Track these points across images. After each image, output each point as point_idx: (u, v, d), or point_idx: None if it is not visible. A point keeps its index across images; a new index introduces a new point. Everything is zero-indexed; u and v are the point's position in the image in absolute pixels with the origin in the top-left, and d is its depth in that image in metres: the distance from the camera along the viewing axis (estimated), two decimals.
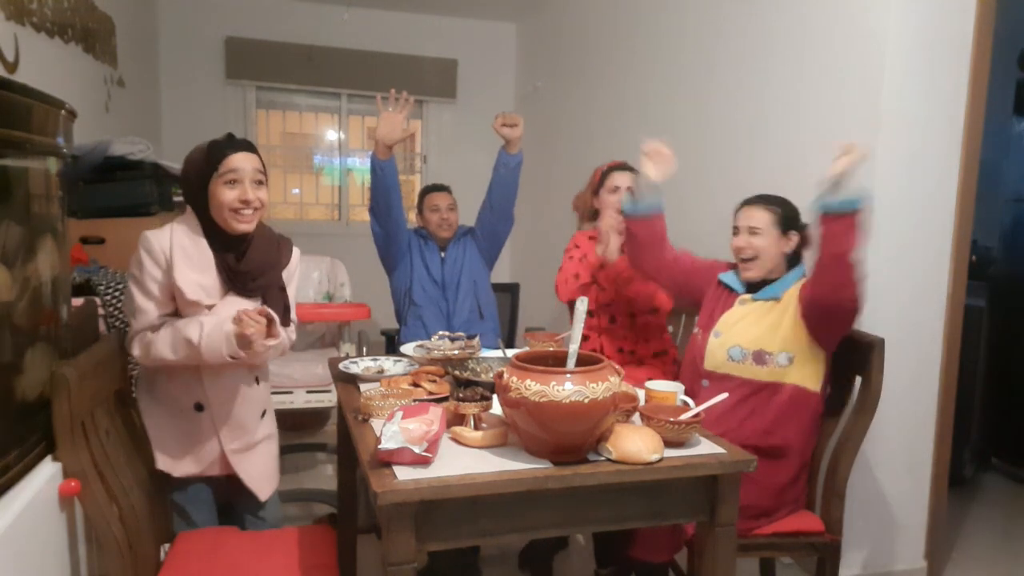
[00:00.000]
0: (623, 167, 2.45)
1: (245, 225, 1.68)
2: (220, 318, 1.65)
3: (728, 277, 2.05)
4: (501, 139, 2.61)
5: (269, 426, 1.94)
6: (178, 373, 1.74)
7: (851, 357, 1.92)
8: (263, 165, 1.73)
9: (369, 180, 2.66)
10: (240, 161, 1.66)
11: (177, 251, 1.66)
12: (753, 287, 1.99)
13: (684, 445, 1.49)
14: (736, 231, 1.99)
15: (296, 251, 1.89)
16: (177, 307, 1.70)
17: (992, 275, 3.41)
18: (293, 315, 1.87)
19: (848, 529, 2.13)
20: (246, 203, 1.66)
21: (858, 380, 1.91)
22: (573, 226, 4.66)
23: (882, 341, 1.85)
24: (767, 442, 1.86)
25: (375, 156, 2.53)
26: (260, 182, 1.70)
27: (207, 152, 1.67)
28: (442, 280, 2.77)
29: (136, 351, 1.69)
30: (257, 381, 1.86)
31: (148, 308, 1.67)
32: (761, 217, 1.95)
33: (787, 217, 1.96)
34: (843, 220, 1.71)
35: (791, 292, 1.93)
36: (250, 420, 1.85)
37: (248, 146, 1.71)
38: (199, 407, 1.76)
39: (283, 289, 1.83)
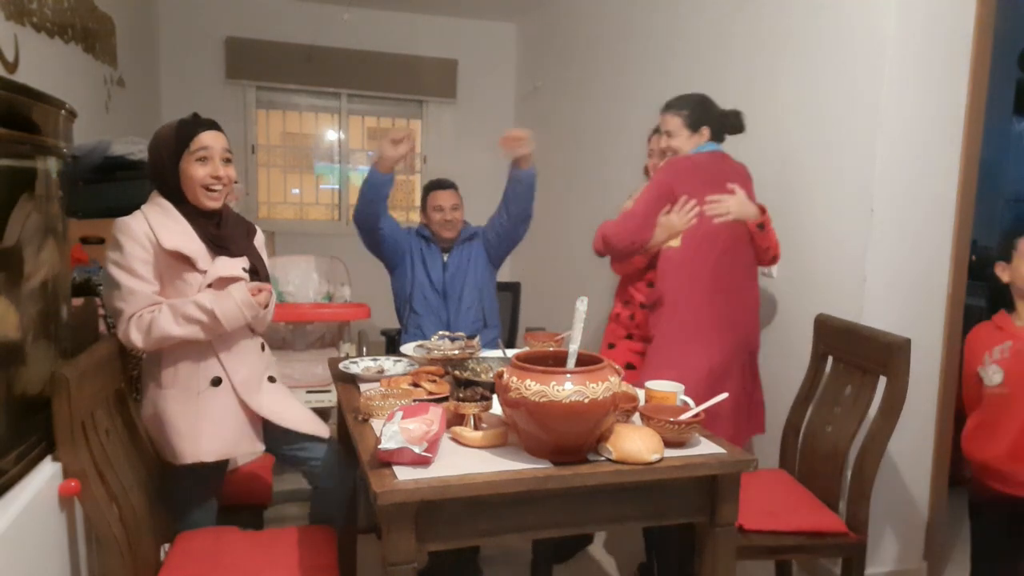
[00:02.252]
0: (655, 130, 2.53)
1: (214, 203, 1.77)
2: (221, 292, 1.73)
3: None
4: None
5: (283, 388, 1.97)
6: (190, 353, 1.75)
7: (876, 358, 1.91)
8: (229, 145, 1.82)
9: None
10: (210, 139, 1.75)
11: (157, 226, 1.70)
12: None
13: (684, 445, 1.50)
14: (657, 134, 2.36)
15: (259, 230, 2.00)
16: (163, 287, 1.73)
17: (992, 275, 3.41)
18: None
19: None
20: (217, 179, 1.75)
21: (882, 380, 1.90)
22: (573, 225, 4.67)
23: (908, 342, 1.84)
24: None
25: (376, 169, 2.49)
26: (228, 160, 1.79)
27: (177, 130, 1.74)
28: (443, 289, 2.70)
29: (133, 334, 1.66)
30: (263, 348, 1.94)
31: (140, 288, 1.67)
32: (670, 121, 2.30)
33: (696, 117, 2.28)
34: None
35: None
36: (263, 384, 1.89)
37: (215, 125, 1.79)
38: (217, 381, 1.78)
39: (260, 257, 1.92)
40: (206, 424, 1.75)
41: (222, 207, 1.83)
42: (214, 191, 1.75)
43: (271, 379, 1.92)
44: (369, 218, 2.58)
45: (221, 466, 1.88)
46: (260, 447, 1.87)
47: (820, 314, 2.21)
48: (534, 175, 2.65)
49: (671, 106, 2.32)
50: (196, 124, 1.74)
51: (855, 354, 2.01)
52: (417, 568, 1.31)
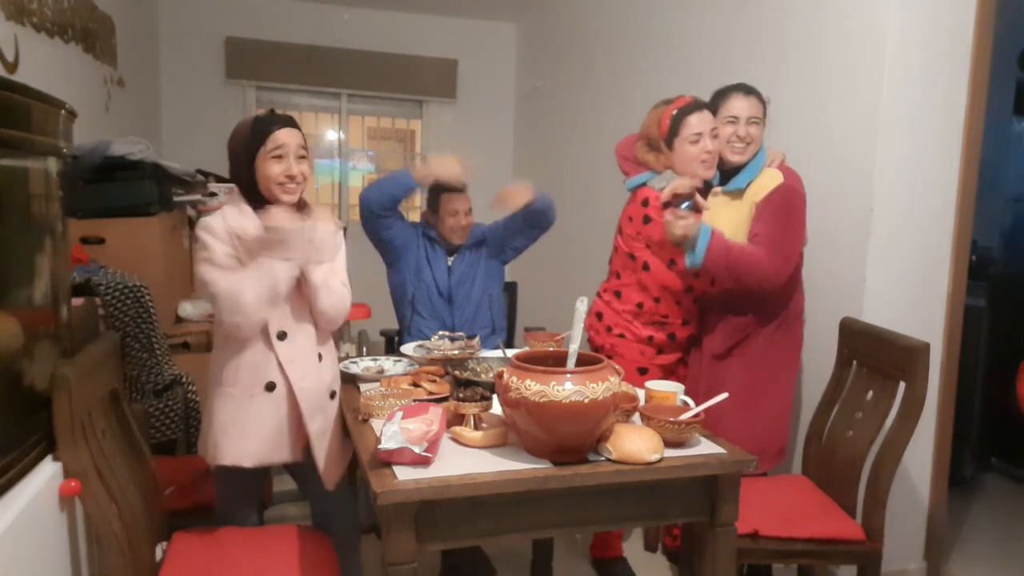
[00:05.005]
0: (698, 106, 2.19)
1: (289, 196, 1.75)
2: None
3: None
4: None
5: (336, 409, 1.87)
6: (252, 355, 1.73)
7: (894, 362, 1.88)
8: (305, 140, 1.79)
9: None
10: (285, 136, 1.73)
11: (233, 222, 1.71)
12: (723, 176, 2.20)
13: (684, 445, 1.50)
14: (735, 120, 2.13)
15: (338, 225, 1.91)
16: None
17: (992, 275, 3.41)
18: (344, 279, 1.87)
19: None
20: (291, 178, 1.74)
21: (901, 386, 1.87)
22: (573, 225, 4.64)
23: (927, 346, 1.80)
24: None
25: (412, 175, 2.41)
26: (303, 156, 1.76)
27: (252, 127, 1.74)
28: (448, 293, 2.63)
29: (223, 314, 1.66)
30: (320, 358, 1.82)
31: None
32: (757, 107, 2.14)
33: (766, 110, 2.18)
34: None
35: (755, 186, 2.11)
36: (322, 399, 1.80)
37: (291, 122, 1.77)
38: (271, 387, 1.73)
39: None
40: (255, 429, 1.73)
41: (299, 204, 1.81)
42: (289, 187, 1.74)
43: (332, 395, 1.84)
44: (379, 206, 2.48)
45: (265, 469, 1.85)
46: (290, 458, 1.79)
47: (845, 317, 2.15)
48: (544, 198, 2.56)
49: (751, 91, 2.15)
50: (271, 121, 1.74)
51: (876, 358, 1.96)
52: (416, 568, 1.31)
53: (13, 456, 1.27)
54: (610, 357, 2.32)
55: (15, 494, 1.23)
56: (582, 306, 1.45)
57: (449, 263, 2.66)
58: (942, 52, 2.24)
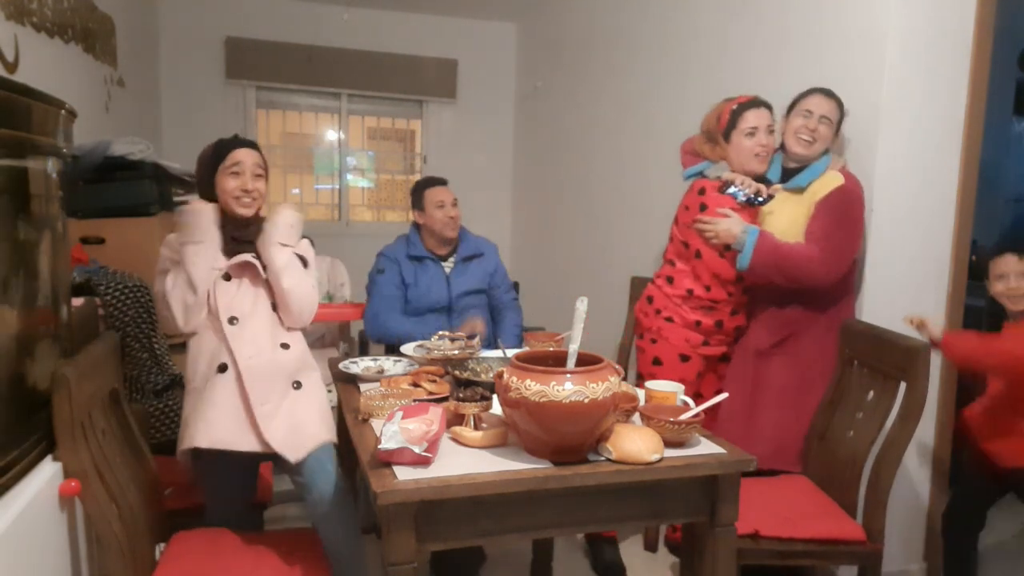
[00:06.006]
0: (757, 103, 2.27)
1: (244, 210, 1.88)
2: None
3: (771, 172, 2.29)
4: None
5: (306, 396, 1.86)
6: (207, 346, 1.80)
7: (895, 362, 1.89)
8: (264, 162, 1.94)
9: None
10: (242, 155, 1.88)
11: None
12: (785, 175, 2.24)
13: (684, 445, 1.50)
14: (809, 114, 2.18)
15: (307, 241, 2.01)
16: None
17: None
18: (311, 282, 1.95)
19: None
20: (246, 192, 1.87)
21: (902, 386, 1.87)
22: (573, 225, 4.65)
23: (927, 346, 1.82)
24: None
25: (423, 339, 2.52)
26: (259, 175, 1.90)
27: (215, 147, 1.90)
28: (448, 304, 2.63)
29: (173, 312, 1.80)
30: (285, 347, 1.86)
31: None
32: (833, 110, 2.18)
33: (841, 118, 2.21)
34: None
35: (815, 185, 2.14)
36: (279, 384, 1.80)
37: (251, 144, 1.92)
38: (223, 368, 1.76)
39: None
40: (208, 410, 1.72)
41: (256, 218, 1.92)
42: (244, 201, 1.87)
43: (297, 384, 1.84)
44: (379, 341, 2.69)
45: (241, 461, 1.81)
46: (259, 447, 1.73)
47: (846, 318, 2.17)
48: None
49: (832, 95, 2.19)
50: (232, 142, 1.90)
51: (877, 358, 1.98)
52: (416, 568, 1.31)
53: (13, 456, 1.27)
54: (654, 341, 2.33)
55: (15, 494, 1.23)
56: (582, 306, 1.45)
57: (447, 272, 2.66)
58: (942, 52, 2.24)
